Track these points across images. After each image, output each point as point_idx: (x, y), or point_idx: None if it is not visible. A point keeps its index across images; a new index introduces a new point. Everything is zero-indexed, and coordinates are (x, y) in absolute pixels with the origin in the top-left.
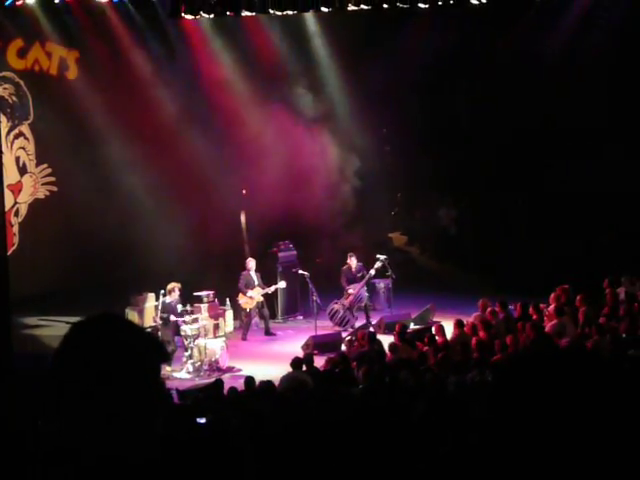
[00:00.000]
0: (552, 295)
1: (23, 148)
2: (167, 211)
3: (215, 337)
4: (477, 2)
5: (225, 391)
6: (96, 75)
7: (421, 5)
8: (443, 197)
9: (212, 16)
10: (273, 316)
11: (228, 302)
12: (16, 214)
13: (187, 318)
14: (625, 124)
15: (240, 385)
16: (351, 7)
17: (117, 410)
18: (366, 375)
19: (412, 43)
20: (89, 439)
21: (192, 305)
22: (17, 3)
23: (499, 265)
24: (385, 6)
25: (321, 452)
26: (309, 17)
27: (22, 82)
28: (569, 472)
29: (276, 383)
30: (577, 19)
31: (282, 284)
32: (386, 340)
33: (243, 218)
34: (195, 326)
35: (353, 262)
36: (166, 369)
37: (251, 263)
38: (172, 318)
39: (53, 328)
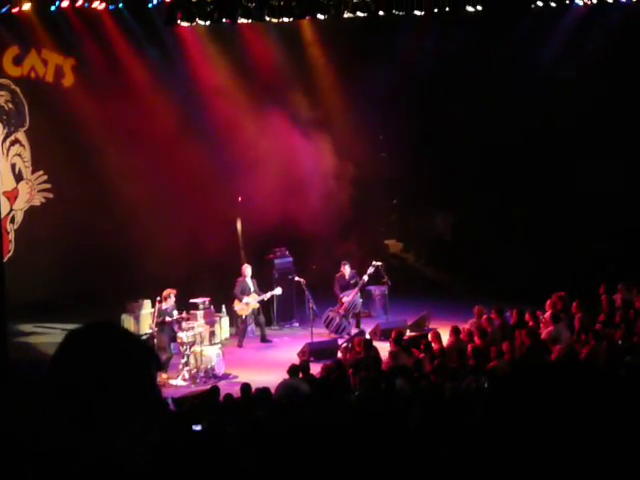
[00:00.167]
0: (548, 302)
1: (19, 155)
2: (163, 218)
3: (211, 344)
4: (473, 9)
5: (221, 398)
6: (92, 82)
7: (417, 12)
8: (439, 204)
9: (208, 23)
10: (269, 323)
11: (224, 309)
12: (12, 221)
13: (183, 325)
14: (621, 131)
15: (236, 392)
16: (347, 14)
17: (113, 417)
18: (362, 382)
19: (408, 50)
20: (85, 446)
21: (188, 312)
22: (13, 10)
23: (495, 272)
24: (381, 13)
25: (318, 459)
26: (305, 24)
27: (18, 89)
28: (565, 478)
29: (272, 390)
30: (572, 26)
31: (278, 291)
32: (382, 347)
33: (239, 225)
34: (191, 333)
35: (347, 270)
36: (162, 376)
37: (247, 270)
38: (167, 319)
39: (49, 335)
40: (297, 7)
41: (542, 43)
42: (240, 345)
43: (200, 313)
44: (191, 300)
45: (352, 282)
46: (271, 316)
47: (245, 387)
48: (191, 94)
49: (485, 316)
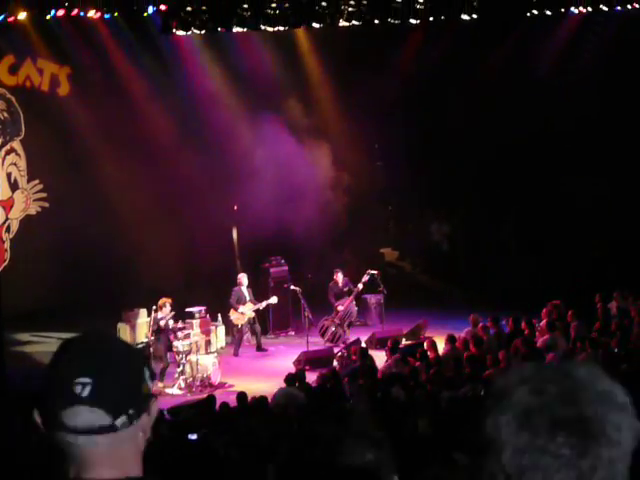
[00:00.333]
0: (544, 310)
1: (15, 164)
2: (159, 227)
3: (207, 353)
4: (468, 18)
5: (217, 407)
6: (88, 91)
7: (412, 21)
8: (435, 212)
9: (204, 32)
10: (265, 332)
11: (220, 318)
12: (7, 230)
13: (179, 334)
14: (618, 138)
15: (232, 401)
16: (342, 23)
17: (108, 423)
18: (358, 391)
19: (403, 59)
20: (80, 455)
21: (184, 321)
22: (9, 19)
23: (491, 280)
24: (376, 22)
25: (313, 467)
26: (300, 33)
27: (14, 98)
28: None
29: (269, 399)
30: (568, 34)
31: (273, 300)
32: (378, 355)
33: (235, 233)
34: (187, 342)
35: (340, 277)
36: (158, 385)
37: (244, 279)
38: (161, 323)
39: (45, 344)
40: (292, 16)
41: (537, 51)
42: (236, 354)
43: (196, 322)
44: (187, 309)
45: (346, 290)
46: (267, 325)
47: (241, 396)
48: (187, 103)
49: (481, 324)
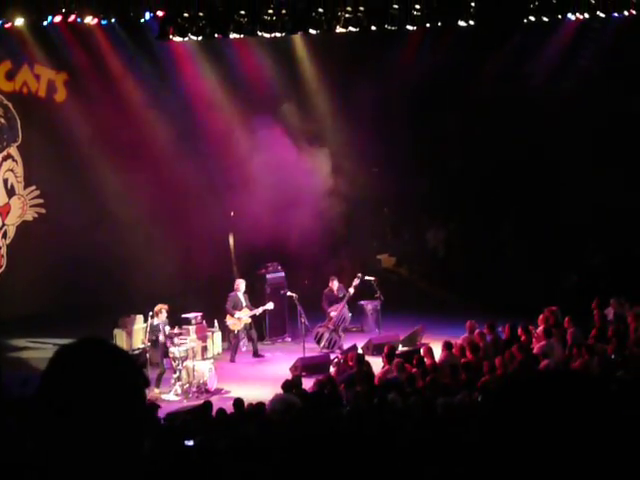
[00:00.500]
0: (540, 316)
1: (11, 170)
2: (155, 233)
3: (203, 359)
4: (465, 24)
5: (213, 413)
6: (84, 97)
7: (409, 27)
8: (431, 219)
9: (200, 38)
10: (261, 338)
11: (216, 324)
12: (4, 236)
13: (175, 340)
14: (617, 144)
15: (229, 407)
16: (339, 29)
17: (103, 433)
18: (354, 397)
19: (400, 65)
20: (76, 461)
21: (180, 327)
22: (5, 25)
23: (487, 287)
24: (373, 28)
25: (309, 474)
26: (297, 39)
27: (10, 104)
28: None
29: (265, 405)
30: (565, 42)
31: (270, 306)
32: (374, 362)
33: (231, 239)
34: (183, 348)
35: (335, 285)
36: (155, 391)
37: (241, 285)
38: (161, 338)
39: (41, 350)
40: (289, 22)
41: (535, 58)
42: (232, 360)
43: (192, 328)
44: (183, 315)
45: (340, 296)
46: (263, 331)
47: (238, 402)
48: (184, 109)
49: (477, 331)
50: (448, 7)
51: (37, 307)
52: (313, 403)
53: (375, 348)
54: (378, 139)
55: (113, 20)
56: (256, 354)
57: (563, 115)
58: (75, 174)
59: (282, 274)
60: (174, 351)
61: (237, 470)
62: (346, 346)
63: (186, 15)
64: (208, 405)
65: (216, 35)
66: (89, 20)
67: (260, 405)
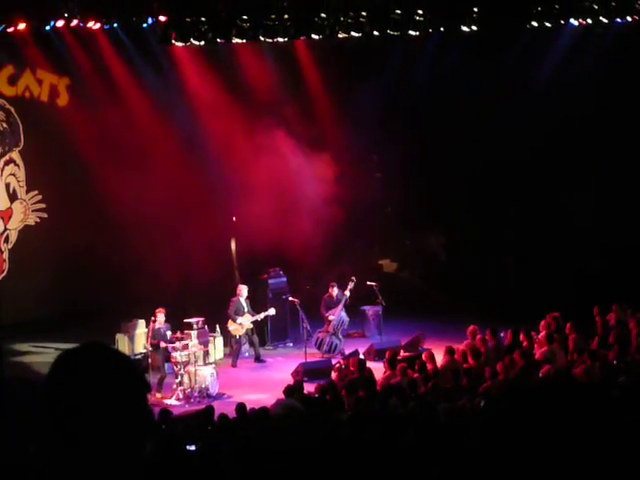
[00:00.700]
0: (542, 322)
1: (13, 174)
2: (158, 237)
3: (205, 364)
4: (467, 29)
5: (215, 418)
6: (87, 102)
7: (411, 32)
8: (433, 224)
9: (202, 43)
10: (263, 343)
11: (218, 329)
12: (6, 240)
13: (177, 345)
14: (615, 152)
15: (231, 412)
16: (341, 35)
17: (105, 437)
18: (356, 402)
19: (403, 70)
20: (78, 464)
21: (182, 332)
22: (8, 30)
23: (489, 292)
24: (375, 33)
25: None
26: (300, 44)
27: (13, 109)
28: None
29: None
30: (568, 46)
31: (272, 311)
32: (376, 367)
33: (233, 245)
34: (185, 353)
35: (335, 292)
36: (156, 396)
37: (243, 290)
38: (162, 345)
39: (43, 355)
40: (291, 27)
41: (537, 63)
42: (234, 365)
43: (194, 333)
44: (185, 320)
45: (339, 300)
46: (265, 336)
47: (240, 407)
48: (186, 113)
49: (479, 336)
50: (451, 12)
51: (39, 311)
52: (315, 408)
53: (377, 353)
54: (380, 144)
55: (116, 25)
56: (258, 359)
57: (565, 119)
58: (77, 179)
59: (284, 279)
60: (176, 356)
61: (239, 475)
62: (347, 351)
63: (188, 20)
64: (210, 410)
65: (218, 40)
66: (92, 25)
67: (263, 410)
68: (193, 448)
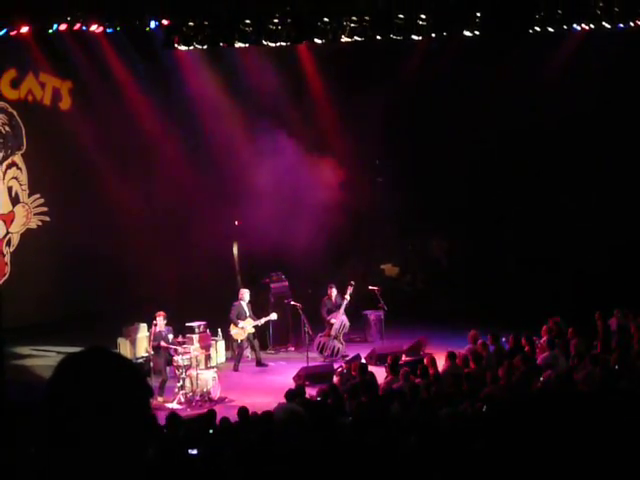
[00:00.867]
0: (544, 327)
1: (16, 178)
2: (160, 241)
3: (207, 368)
4: (470, 34)
5: (217, 422)
6: (89, 105)
7: (414, 37)
8: (435, 228)
9: (205, 47)
10: (264, 347)
11: (220, 333)
12: (8, 244)
13: (179, 348)
14: (617, 156)
15: (232, 416)
16: (344, 39)
17: (107, 441)
18: (357, 407)
19: (405, 75)
20: (80, 468)
21: (184, 336)
22: (11, 33)
23: (491, 297)
24: (378, 38)
25: None
26: (302, 48)
27: (15, 112)
28: None
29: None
30: (571, 51)
31: (273, 316)
32: (378, 372)
33: (235, 249)
34: (187, 356)
35: (333, 293)
36: (158, 399)
37: (245, 294)
38: (162, 344)
39: (45, 358)
40: (294, 31)
41: (540, 68)
42: (236, 369)
43: (196, 337)
44: (187, 324)
45: (339, 304)
46: (267, 340)
47: (242, 411)
48: (188, 117)
49: (480, 341)
50: (453, 17)
51: (41, 315)
52: (316, 412)
53: (378, 358)
54: (382, 148)
55: (118, 28)
56: (259, 363)
57: (568, 124)
58: (79, 182)
59: (286, 284)
60: (178, 359)
61: (241, 479)
62: (349, 356)
63: (191, 24)
64: (212, 414)
65: (221, 44)
66: (94, 28)
67: (267, 414)
68: (195, 452)
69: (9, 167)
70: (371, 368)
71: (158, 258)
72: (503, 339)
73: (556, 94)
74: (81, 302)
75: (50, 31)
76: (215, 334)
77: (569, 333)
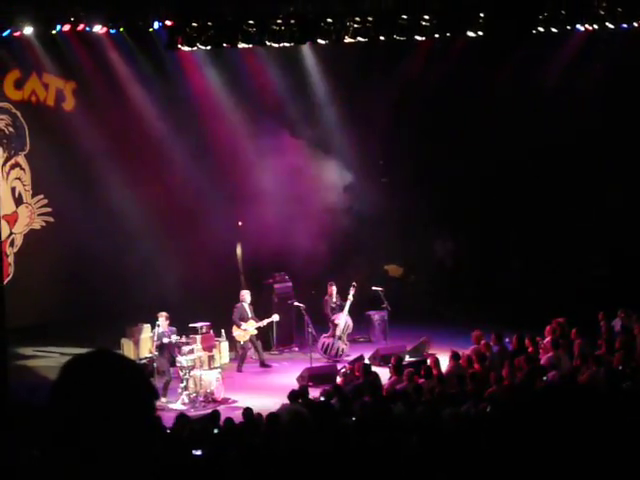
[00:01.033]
0: (547, 328)
1: (19, 179)
2: (163, 242)
3: (210, 368)
4: (474, 35)
5: (221, 422)
6: (93, 106)
7: (418, 37)
8: (439, 229)
9: (209, 48)
10: (268, 347)
11: (223, 333)
12: (11, 244)
13: (183, 349)
14: (620, 156)
15: (236, 417)
16: (348, 39)
17: (112, 443)
18: (361, 407)
19: (409, 75)
20: (83, 470)
21: (188, 336)
22: (14, 34)
23: (495, 297)
24: (382, 38)
25: None
26: (306, 49)
27: (19, 113)
28: None
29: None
30: (574, 52)
31: (275, 317)
32: (381, 372)
33: (239, 249)
34: (190, 357)
35: (334, 290)
36: (161, 400)
37: (246, 295)
38: (165, 340)
39: (48, 359)
40: (298, 32)
41: (543, 69)
42: (240, 370)
43: (199, 337)
44: (191, 324)
45: (339, 304)
46: (270, 341)
47: (247, 411)
48: (192, 118)
49: (484, 341)
50: (457, 18)
51: (44, 316)
52: (320, 413)
53: (382, 358)
54: (386, 149)
55: (122, 29)
56: (262, 364)
57: (571, 124)
58: (83, 183)
59: (290, 284)
60: (181, 360)
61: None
62: (353, 356)
63: (195, 25)
64: (216, 414)
65: (225, 45)
66: (98, 29)
67: (273, 415)
68: (199, 453)
69: (12, 168)
70: (375, 369)
71: (162, 259)
72: (507, 339)
73: (559, 94)
74: (84, 303)
75: (53, 32)
76: (219, 335)
77: (573, 334)
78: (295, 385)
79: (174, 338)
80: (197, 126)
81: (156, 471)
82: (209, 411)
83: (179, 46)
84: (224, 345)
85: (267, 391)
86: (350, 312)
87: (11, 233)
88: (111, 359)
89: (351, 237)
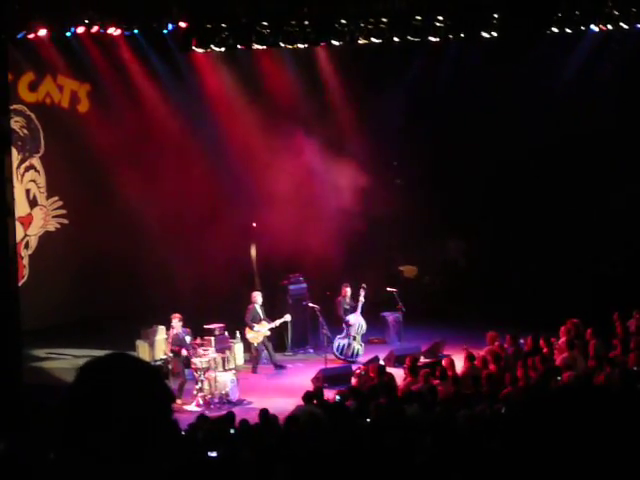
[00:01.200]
0: (562, 328)
1: (34, 181)
2: (178, 243)
3: (225, 370)
4: (488, 35)
5: (236, 424)
6: (107, 108)
7: (432, 38)
8: (452, 229)
9: (223, 49)
10: (283, 349)
11: (238, 335)
12: (26, 246)
13: (198, 351)
14: (633, 156)
15: (251, 418)
16: (362, 41)
17: (128, 446)
18: (376, 408)
19: (423, 76)
20: (99, 472)
21: (202, 338)
22: (29, 36)
23: (509, 298)
24: (396, 39)
25: None
26: (320, 50)
27: (33, 115)
28: None
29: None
30: (589, 52)
31: (287, 317)
32: (396, 373)
33: (253, 251)
34: (205, 359)
35: (348, 292)
36: (177, 401)
37: (258, 297)
38: (183, 352)
39: (62, 360)
40: (312, 33)
41: (558, 69)
42: (254, 371)
43: (214, 339)
44: (205, 326)
45: (352, 305)
46: (285, 342)
47: (263, 413)
48: (206, 120)
49: (498, 343)
50: (471, 18)
51: (59, 318)
52: (334, 415)
53: (397, 359)
54: (401, 150)
55: (136, 31)
56: (276, 365)
57: (585, 124)
58: (97, 185)
59: (304, 285)
60: (196, 362)
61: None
62: (368, 357)
63: (209, 26)
64: (231, 416)
65: (239, 46)
66: (112, 31)
67: (291, 418)
68: (214, 454)
69: (27, 170)
70: (389, 370)
71: (176, 260)
72: (522, 340)
73: (573, 94)
74: (99, 304)
75: (68, 34)
76: (233, 336)
77: (588, 334)
78: (310, 386)
79: (188, 339)
80: (211, 127)
81: (172, 472)
82: (224, 412)
83: (193, 48)
84: (239, 347)
85: (282, 392)
86: (362, 313)
87: (26, 235)
88: (128, 362)
89: (366, 238)
